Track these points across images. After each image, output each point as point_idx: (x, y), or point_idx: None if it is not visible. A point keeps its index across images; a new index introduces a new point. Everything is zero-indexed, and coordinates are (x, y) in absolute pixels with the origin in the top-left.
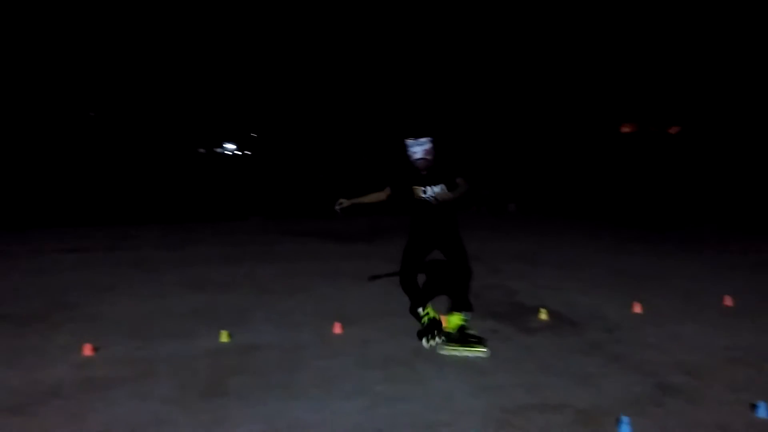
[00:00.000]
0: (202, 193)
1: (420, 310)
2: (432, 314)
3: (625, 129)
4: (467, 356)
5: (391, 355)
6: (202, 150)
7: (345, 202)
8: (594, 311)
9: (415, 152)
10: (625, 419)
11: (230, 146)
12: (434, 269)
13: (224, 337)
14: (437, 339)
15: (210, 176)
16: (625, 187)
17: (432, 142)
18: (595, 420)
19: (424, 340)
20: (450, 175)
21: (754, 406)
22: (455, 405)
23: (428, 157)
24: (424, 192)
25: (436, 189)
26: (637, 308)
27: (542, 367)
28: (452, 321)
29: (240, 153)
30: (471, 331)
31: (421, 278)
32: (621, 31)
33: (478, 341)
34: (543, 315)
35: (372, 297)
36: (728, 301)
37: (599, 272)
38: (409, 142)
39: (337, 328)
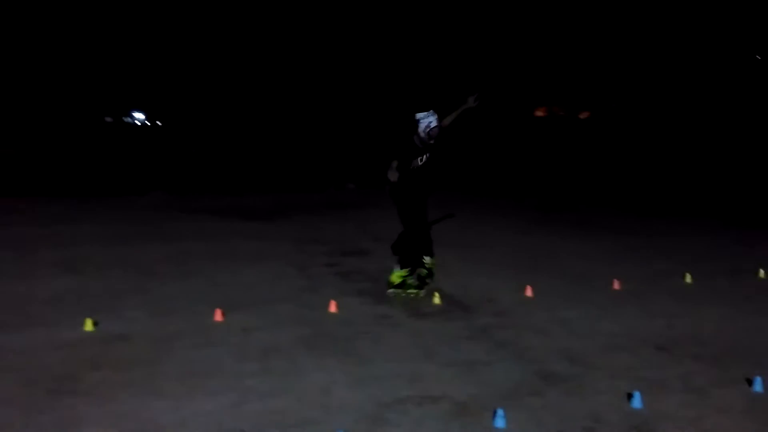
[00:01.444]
0: (101, 165)
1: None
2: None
3: (538, 113)
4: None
5: (272, 346)
6: (108, 119)
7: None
8: (487, 294)
9: (430, 122)
10: (499, 412)
11: (139, 116)
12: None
13: (89, 325)
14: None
15: (114, 147)
16: (531, 169)
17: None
18: (472, 412)
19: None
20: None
21: (629, 396)
22: (330, 400)
23: (439, 125)
24: (421, 160)
25: (426, 156)
26: (529, 291)
27: (428, 354)
28: (394, 275)
29: (149, 123)
30: (410, 281)
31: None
32: (535, 16)
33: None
34: (436, 299)
35: (263, 281)
36: (617, 284)
37: (496, 253)
38: (422, 114)
39: (218, 316)
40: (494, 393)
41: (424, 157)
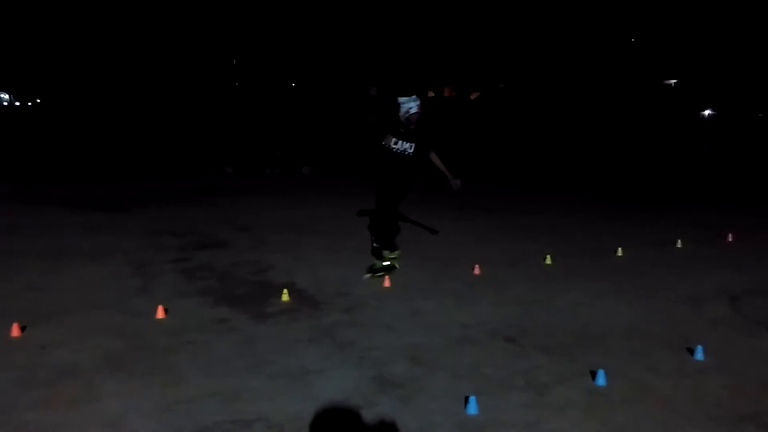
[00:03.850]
0: None
1: (387, 252)
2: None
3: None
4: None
5: (69, 367)
6: None
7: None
8: (342, 287)
9: (410, 107)
10: None
11: (3, 96)
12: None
13: None
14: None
15: None
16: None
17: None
18: None
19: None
20: (424, 138)
21: (466, 400)
22: None
23: (419, 112)
24: (395, 143)
25: (406, 145)
26: (387, 282)
27: (256, 365)
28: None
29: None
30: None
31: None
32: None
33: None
34: (285, 296)
35: (89, 284)
36: (477, 269)
37: (360, 240)
38: (404, 99)
39: (15, 330)
40: (320, 409)
41: (409, 145)
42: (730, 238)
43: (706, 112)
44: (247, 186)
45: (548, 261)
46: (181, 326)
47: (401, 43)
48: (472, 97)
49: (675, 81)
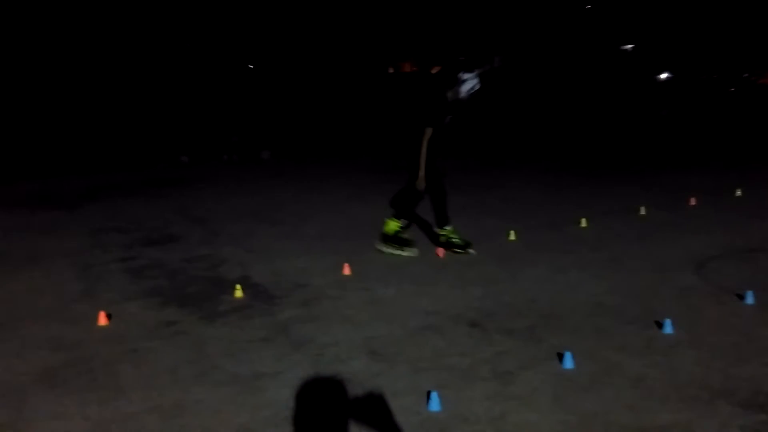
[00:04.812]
0: None
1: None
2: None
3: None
4: (401, 255)
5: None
6: None
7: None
8: (300, 278)
9: (475, 84)
10: None
11: None
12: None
13: None
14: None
15: None
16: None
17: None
18: None
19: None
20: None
21: (428, 396)
22: None
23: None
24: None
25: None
26: (347, 270)
27: (201, 374)
28: (389, 225)
29: None
30: (405, 236)
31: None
32: None
33: (408, 244)
34: (238, 292)
35: (26, 291)
36: (440, 252)
37: (319, 226)
38: (470, 75)
39: None
40: (260, 422)
41: (449, 117)
42: (692, 201)
43: (663, 76)
44: (202, 174)
45: (512, 237)
46: (124, 333)
47: (358, 21)
48: (433, 71)
49: (632, 46)
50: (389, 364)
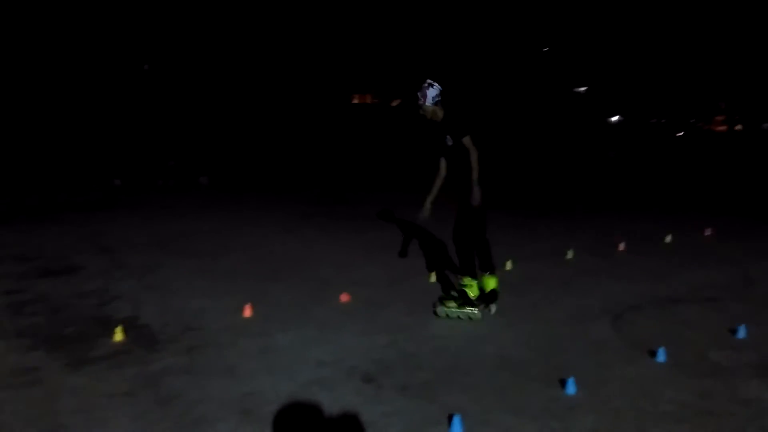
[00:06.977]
0: None
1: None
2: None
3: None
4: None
5: None
6: None
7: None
8: (194, 321)
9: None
10: None
11: None
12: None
13: None
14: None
15: None
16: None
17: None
18: None
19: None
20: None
21: None
22: None
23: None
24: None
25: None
26: (248, 311)
27: None
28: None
29: None
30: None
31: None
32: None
33: (472, 303)
34: (118, 335)
35: None
36: (345, 297)
37: (233, 261)
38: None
39: None
40: None
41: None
42: (621, 247)
43: (614, 118)
44: (131, 199)
45: (432, 279)
46: None
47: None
48: (393, 104)
49: (585, 88)
50: (258, 427)
